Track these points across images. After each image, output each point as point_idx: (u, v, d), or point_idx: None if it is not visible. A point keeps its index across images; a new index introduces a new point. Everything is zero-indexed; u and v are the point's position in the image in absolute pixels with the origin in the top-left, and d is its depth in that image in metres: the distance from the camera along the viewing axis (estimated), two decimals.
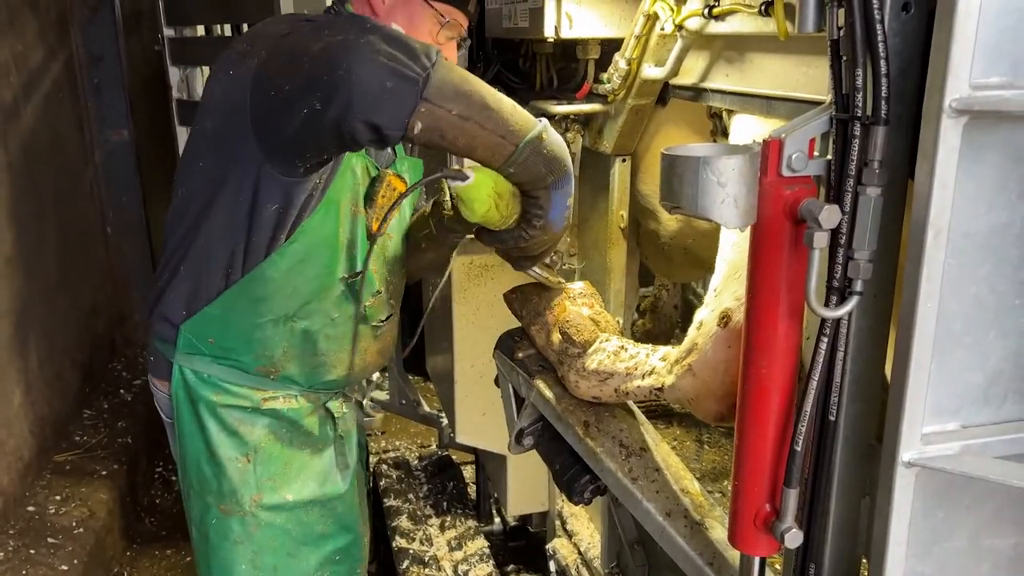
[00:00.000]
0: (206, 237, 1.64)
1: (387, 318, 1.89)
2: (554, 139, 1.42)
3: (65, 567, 2.78)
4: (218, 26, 3.92)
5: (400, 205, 1.74)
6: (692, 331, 1.30)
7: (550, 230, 1.49)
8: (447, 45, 1.70)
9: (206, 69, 3.95)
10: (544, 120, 1.45)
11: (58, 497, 3.10)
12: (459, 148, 1.41)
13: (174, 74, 3.78)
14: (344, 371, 1.85)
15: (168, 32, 3.76)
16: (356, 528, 2.01)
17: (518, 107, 1.44)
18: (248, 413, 1.79)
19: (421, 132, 1.37)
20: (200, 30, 3.90)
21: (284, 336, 1.73)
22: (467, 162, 1.50)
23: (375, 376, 3.73)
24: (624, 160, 1.92)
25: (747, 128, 1.42)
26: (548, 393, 1.61)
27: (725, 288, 1.27)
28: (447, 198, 1.72)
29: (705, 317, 1.28)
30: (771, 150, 0.97)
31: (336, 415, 1.92)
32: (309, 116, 1.39)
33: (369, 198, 1.73)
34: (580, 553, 2.37)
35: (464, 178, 1.44)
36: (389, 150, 1.80)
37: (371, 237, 1.74)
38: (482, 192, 1.45)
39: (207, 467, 1.80)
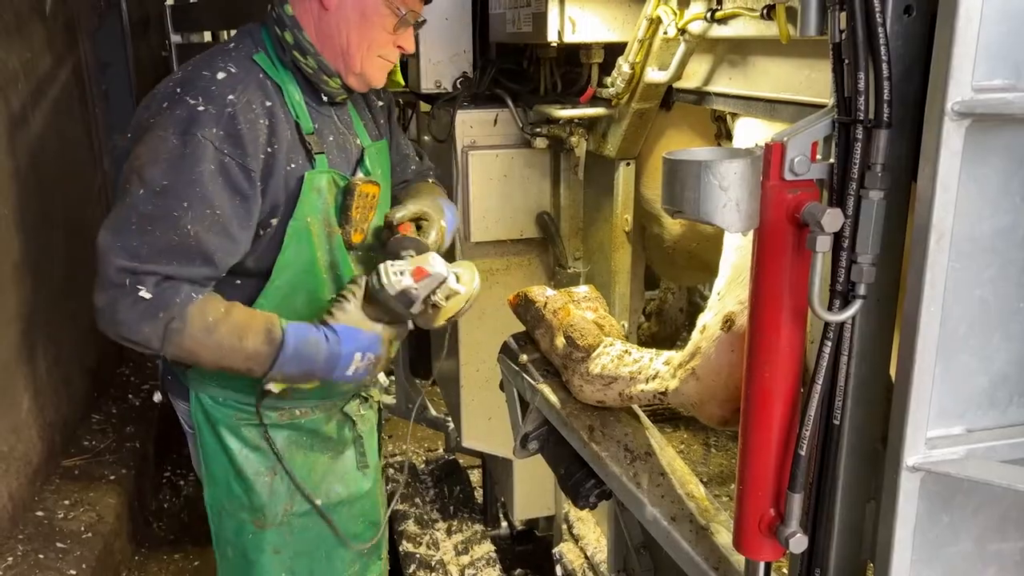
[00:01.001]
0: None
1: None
2: (290, 349, 1.57)
3: (74, 572, 2.79)
4: (224, 32, 3.94)
5: (375, 208, 1.75)
6: (695, 335, 1.30)
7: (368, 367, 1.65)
8: (404, 34, 1.68)
9: None
10: (287, 330, 1.58)
11: (67, 502, 3.12)
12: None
13: None
14: (337, 384, 1.81)
15: (175, 38, 3.79)
16: (382, 523, 2.05)
17: (263, 339, 1.57)
18: (268, 429, 1.80)
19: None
20: (207, 36, 3.92)
21: None
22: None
23: (383, 379, 3.73)
24: (628, 164, 1.92)
25: (751, 131, 1.41)
26: (553, 397, 1.61)
27: (728, 292, 1.27)
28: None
29: (708, 321, 1.28)
30: (773, 154, 0.97)
31: (354, 417, 1.93)
32: None
33: (343, 212, 1.71)
34: (587, 557, 2.37)
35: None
36: (347, 134, 1.78)
37: (352, 248, 1.75)
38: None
39: (236, 485, 1.81)
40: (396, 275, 1.59)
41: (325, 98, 1.72)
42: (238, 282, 1.68)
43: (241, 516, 1.84)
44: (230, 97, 1.54)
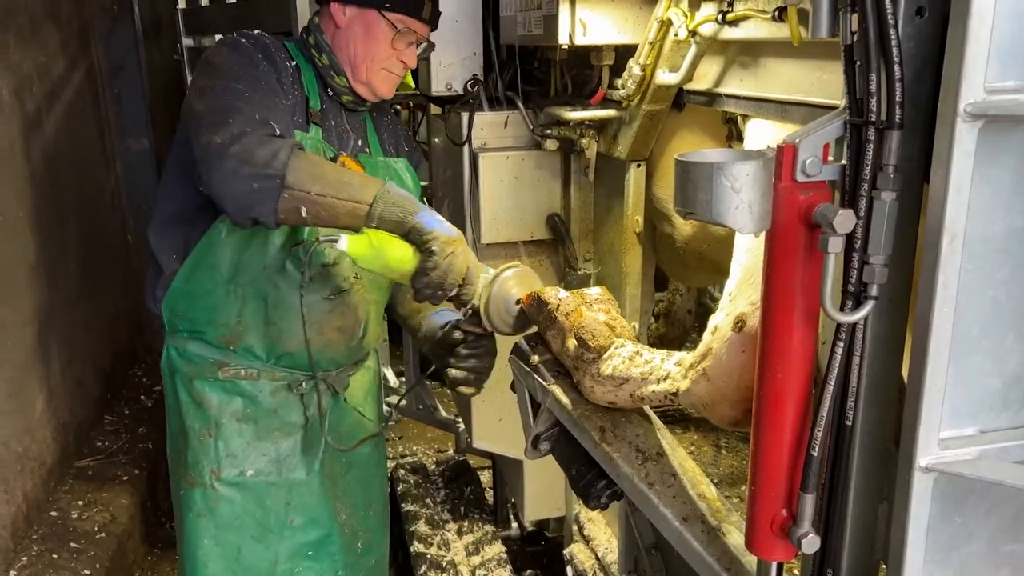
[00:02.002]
0: (167, 219, 1.85)
1: (341, 292, 1.89)
2: (396, 187, 1.63)
3: (87, 571, 2.81)
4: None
5: None
6: (707, 336, 1.30)
7: (442, 245, 1.60)
8: (406, 51, 1.86)
9: None
10: (388, 181, 1.66)
11: (80, 502, 3.14)
12: (323, 220, 1.61)
13: None
14: (300, 344, 1.84)
15: (187, 42, 3.81)
16: (329, 524, 2.01)
17: (361, 175, 1.73)
18: (211, 385, 1.89)
19: (289, 213, 1.59)
20: (218, 39, 3.94)
21: (236, 303, 1.83)
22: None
23: (392, 381, 3.74)
24: (639, 165, 1.92)
25: (762, 133, 1.42)
26: (564, 398, 1.61)
27: (740, 293, 1.27)
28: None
29: (720, 322, 1.28)
30: (785, 155, 0.97)
31: (303, 396, 1.92)
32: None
33: None
34: (598, 558, 2.37)
35: (334, 240, 1.65)
36: (351, 133, 1.94)
37: None
38: (360, 246, 1.63)
39: (179, 439, 1.94)
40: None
41: (332, 93, 1.89)
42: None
43: (179, 471, 1.94)
44: (266, 40, 1.81)
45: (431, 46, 1.94)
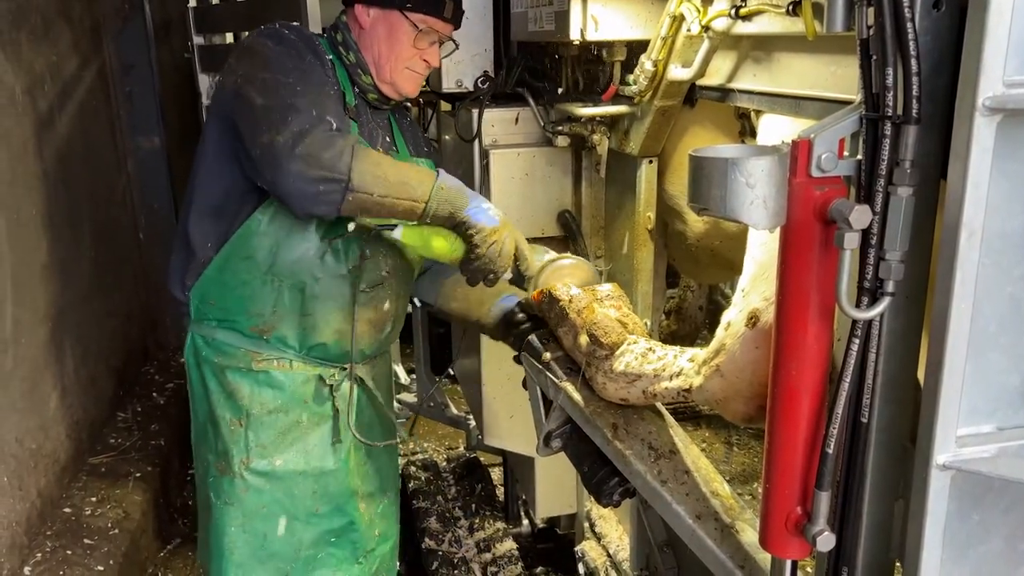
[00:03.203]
0: (205, 208, 1.84)
1: (376, 285, 1.94)
2: (448, 181, 1.72)
3: (101, 567, 2.83)
4: (246, 34, 3.97)
5: None
6: (720, 332, 1.29)
7: (484, 237, 1.71)
8: (429, 50, 1.88)
9: None
10: (439, 171, 1.75)
11: (94, 499, 3.16)
12: (381, 216, 1.71)
13: (204, 81, 3.84)
14: (334, 335, 1.91)
15: (198, 40, 3.81)
16: (352, 512, 2.05)
17: (416, 167, 1.77)
18: (243, 375, 1.90)
19: (350, 211, 1.67)
20: (229, 37, 3.95)
21: (272, 293, 1.84)
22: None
23: (403, 378, 3.75)
24: (651, 161, 1.92)
25: (775, 128, 1.41)
26: (576, 396, 1.61)
27: (753, 288, 1.27)
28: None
29: (733, 318, 1.27)
30: (800, 150, 0.96)
31: (332, 385, 1.96)
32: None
33: None
34: (609, 555, 2.37)
35: (392, 228, 1.77)
36: (379, 131, 1.96)
37: None
38: (412, 236, 1.76)
39: (209, 426, 1.94)
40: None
41: (359, 91, 1.91)
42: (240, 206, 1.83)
43: (208, 457, 1.96)
44: (308, 32, 1.84)
45: (455, 45, 1.95)
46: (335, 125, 1.66)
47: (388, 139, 1.97)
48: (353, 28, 1.89)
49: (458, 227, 1.71)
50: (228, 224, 1.82)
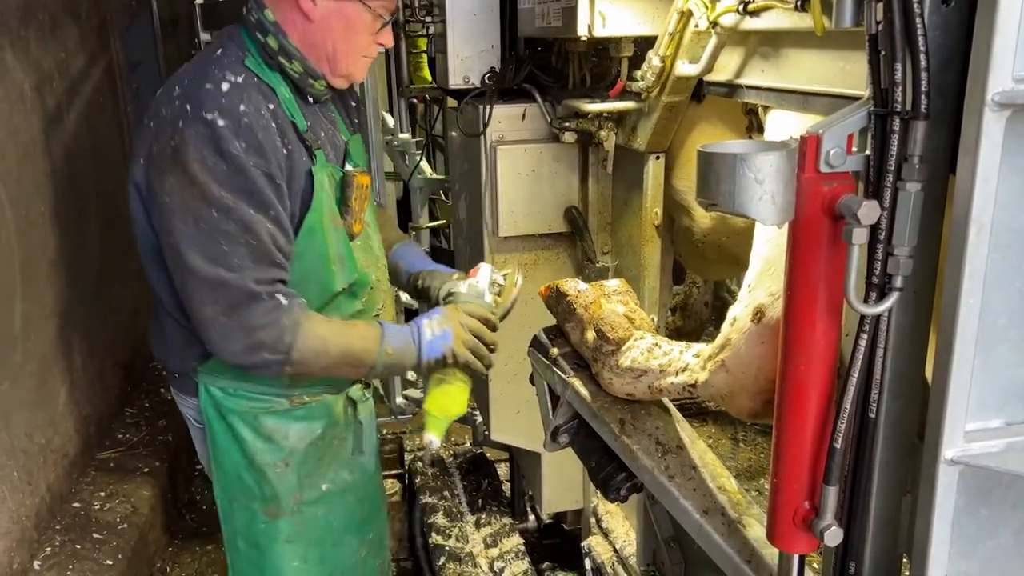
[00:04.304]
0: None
1: (380, 306, 1.96)
2: (393, 341, 1.76)
3: (110, 562, 2.85)
4: None
5: (368, 198, 1.88)
6: (726, 327, 1.30)
7: (449, 357, 1.81)
8: (383, 33, 1.74)
9: None
10: (384, 331, 1.77)
11: (102, 494, 3.18)
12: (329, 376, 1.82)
13: None
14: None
15: (204, 36, 3.82)
16: (383, 509, 2.13)
17: (360, 332, 1.76)
18: (281, 417, 1.84)
19: (292, 376, 1.75)
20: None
21: None
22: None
23: (410, 374, 3.76)
24: (658, 157, 1.92)
25: (783, 124, 1.41)
26: (583, 391, 1.61)
27: (759, 284, 1.27)
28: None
29: (739, 313, 1.27)
30: (809, 146, 0.96)
31: (356, 400, 1.98)
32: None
33: (343, 203, 1.79)
34: (616, 551, 2.37)
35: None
36: (333, 130, 1.85)
37: (353, 239, 1.83)
38: (440, 427, 1.87)
39: (247, 475, 1.86)
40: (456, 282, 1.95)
41: (311, 99, 1.77)
42: None
43: (252, 507, 1.88)
44: (241, 107, 1.58)
45: (395, 14, 1.81)
46: (277, 278, 1.62)
47: (332, 127, 1.85)
48: (291, 25, 1.66)
49: (420, 371, 1.81)
50: None
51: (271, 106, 1.64)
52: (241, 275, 1.57)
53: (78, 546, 2.86)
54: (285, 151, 1.64)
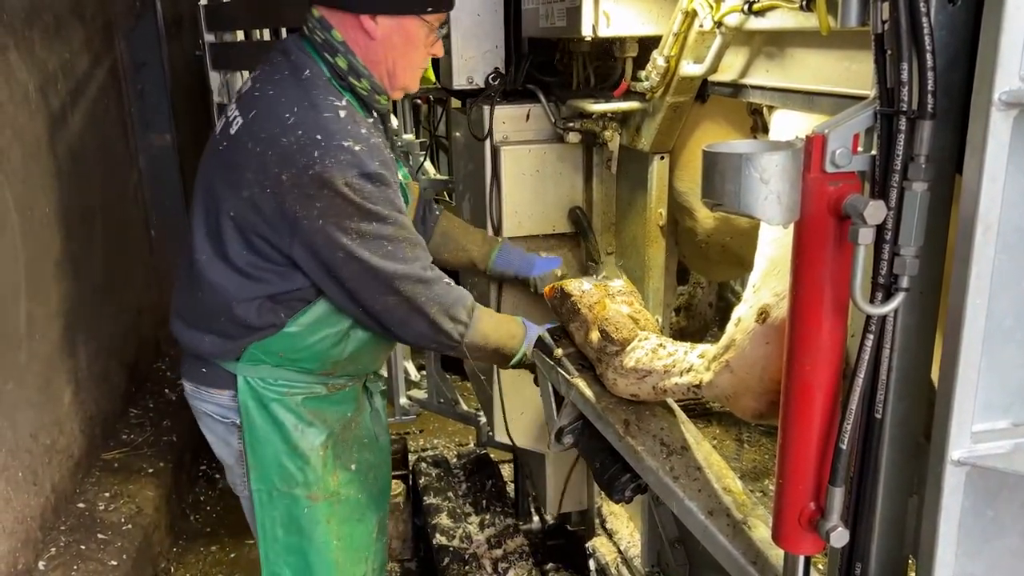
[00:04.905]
0: (263, 299, 1.78)
1: None
2: (528, 346, 1.90)
3: (115, 562, 2.85)
4: (257, 31, 3.98)
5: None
6: (730, 328, 1.29)
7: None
8: (436, 44, 1.83)
9: (246, 73, 4.02)
10: (528, 333, 1.92)
11: (107, 494, 3.18)
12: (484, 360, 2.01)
13: (215, 79, 3.85)
14: (383, 359, 2.11)
15: (209, 37, 3.83)
16: (390, 479, 2.25)
17: (512, 334, 1.90)
18: (320, 401, 1.92)
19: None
20: (240, 35, 3.96)
21: (347, 343, 1.87)
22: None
23: (414, 375, 3.76)
24: (662, 158, 1.91)
25: (788, 124, 1.40)
26: (588, 392, 1.61)
27: (764, 284, 1.26)
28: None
29: (743, 313, 1.27)
30: (814, 146, 0.96)
31: (371, 388, 2.10)
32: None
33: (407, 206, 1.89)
34: (620, 552, 2.37)
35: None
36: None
37: None
38: None
39: (290, 462, 1.90)
40: None
41: (374, 113, 1.84)
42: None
43: (295, 493, 1.92)
44: (363, 131, 1.68)
45: (446, 25, 1.96)
46: (445, 278, 1.79)
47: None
48: (355, 42, 1.73)
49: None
50: (301, 302, 1.80)
51: (372, 132, 1.73)
52: (411, 265, 1.72)
53: (83, 546, 2.87)
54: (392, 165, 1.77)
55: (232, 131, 1.73)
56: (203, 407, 1.97)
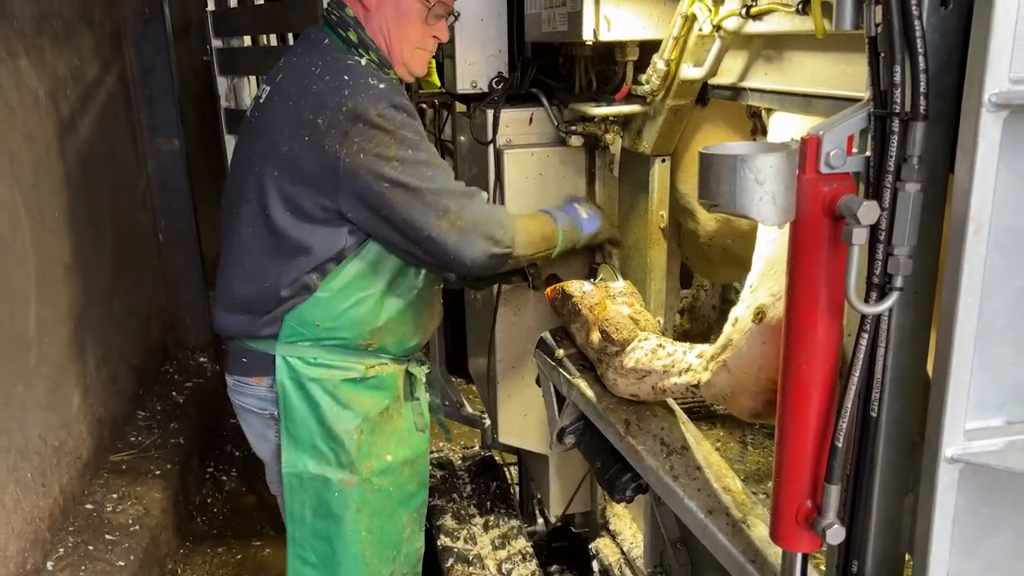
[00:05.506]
0: (293, 253, 1.80)
1: (443, 280, 2.11)
2: (563, 221, 2.01)
3: (122, 563, 2.87)
4: (264, 37, 4.02)
5: None
6: (727, 327, 1.31)
7: (599, 230, 2.11)
8: (438, 25, 1.87)
9: (253, 79, 4.05)
10: (555, 215, 2.01)
11: (115, 496, 3.21)
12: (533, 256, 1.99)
13: (222, 84, 3.89)
14: (423, 334, 2.05)
15: (216, 43, 3.86)
16: (427, 490, 2.19)
17: (539, 219, 1.99)
18: (357, 385, 1.92)
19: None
20: (247, 40, 4.00)
21: (381, 308, 1.88)
22: None
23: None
24: (664, 160, 1.93)
25: (786, 126, 1.42)
26: (589, 392, 1.63)
27: (760, 285, 1.28)
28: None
29: (740, 313, 1.28)
30: (809, 147, 0.98)
31: (417, 377, 2.07)
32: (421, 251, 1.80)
33: None
34: (623, 553, 2.38)
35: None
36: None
37: None
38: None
39: (324, 444, 1.91)
40: None
41: None
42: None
43: (327, 475, 1.92)
44: (383, 76, 1.80)
45: (456, 15, 1.97)
46: (483, 193, 1.83)
47: None
48: (358, 14, 1.83)
49: (581, 243, 2.03)
50: (334, 263, 1.82)
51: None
52: (453, 184, 1.78)
53: (91, 547, 2.89)
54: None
55: (262, 101, 1.82)
56: (243, 401, 1.99)
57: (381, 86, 1.72)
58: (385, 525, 2.03)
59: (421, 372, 2.10)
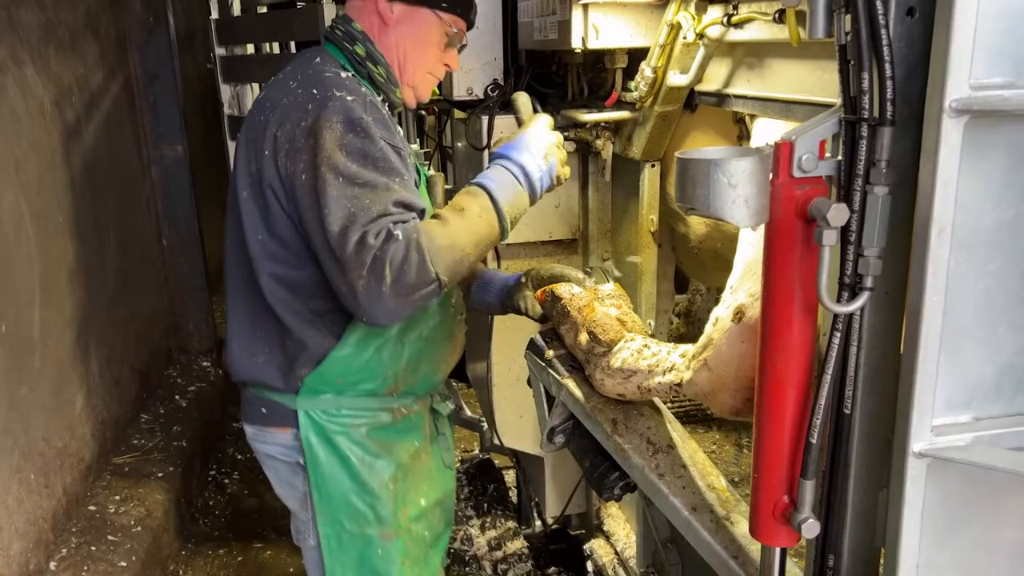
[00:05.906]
0: (321, 310, 1.68)
1: (462, 308, 1.98)
2: (501, 196, 1.67)
3: (124, 564, 2.90)
4: (267, 44, 4.07)
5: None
6: (708, 327, 1.34)
7: (548, 177, 1.78)
8: (450, 54, 1.79)
9: (256, 86, 4.10)
10: (487, 191, 1.68)
11: (117, 497, 3.24)
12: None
13: (225, 91, 3.93)
14: (446, 367, 1.92)
15: (219, 51, 3.91)
16: (452, 526, 2.08)
17: (473, 207, 1.64)
18: (388, 430, 1.82)
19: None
20: (250, 48, 4.05)
21: (402, 351, 1.77)
22: None
23: None
24: (653, 165, 1.96)
25: (768, 131, 1.45)
26: (577, 392, 1.66)
27: (740, 285, 1.31)
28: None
29: (721, 313, 1.31)
30: (782, 152, 1.01)
31: (439, 410, 1.99)
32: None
33: (432, 202, 1.85)
34: (617, 553, 2.40)
35: None
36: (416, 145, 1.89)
37: None
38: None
39: (359, 500, 1.79)
40: None
41: (389, 106, 1.79)
42: None
43: (367, 533, 1.81)
44: (363, 89, 1.64)
45: (465, 45, 1.87)
46: (387, 230, 1.51)
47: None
48: (370, 28, 1.72)
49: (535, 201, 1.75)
50: (347, 315, 1.68)
51: (369, 97, 1.66)
52: (376, 213, 1.52)
53: (93, 548, 2.92)
54: (397, 137, 1.67)
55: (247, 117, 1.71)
56: (266, 449, 1.86)
57: (349, 98, 1.57)
58: (423, 571, 1.92)
59: (445, 408, 2.01)
